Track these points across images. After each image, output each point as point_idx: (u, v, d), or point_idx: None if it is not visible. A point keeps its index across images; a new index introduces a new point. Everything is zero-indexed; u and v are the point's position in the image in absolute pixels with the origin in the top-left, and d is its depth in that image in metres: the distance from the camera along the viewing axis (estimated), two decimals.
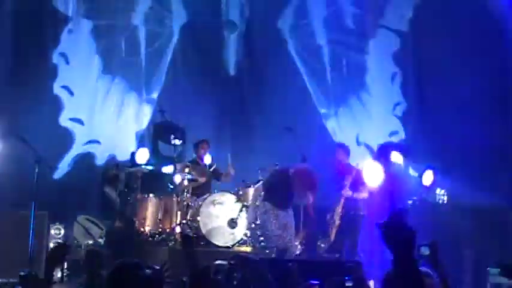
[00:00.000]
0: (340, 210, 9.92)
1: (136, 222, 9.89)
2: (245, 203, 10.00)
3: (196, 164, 10.44)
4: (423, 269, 5.29)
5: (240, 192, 10.13)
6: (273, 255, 8.97)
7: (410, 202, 11.06)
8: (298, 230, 10.12)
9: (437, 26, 12.67)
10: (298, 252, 9.96)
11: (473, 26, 12.56)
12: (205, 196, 9.92)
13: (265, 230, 9.26)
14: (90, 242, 9.73)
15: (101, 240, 9.75)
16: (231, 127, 12.27)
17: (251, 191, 10.25)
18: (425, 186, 11.33)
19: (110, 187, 10.38)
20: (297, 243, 10.04)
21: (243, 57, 12.64)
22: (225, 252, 9.18)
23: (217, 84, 12.37)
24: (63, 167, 11.24)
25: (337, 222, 9.95)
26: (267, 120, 11.90)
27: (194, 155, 10.58)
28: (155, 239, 9.79)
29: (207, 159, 10.57)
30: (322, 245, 10.80)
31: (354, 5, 12.97)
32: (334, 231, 10.00)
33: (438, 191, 11.38)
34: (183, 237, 5.27)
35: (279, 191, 8.69)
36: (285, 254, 8.90)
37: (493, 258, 10.05)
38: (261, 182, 9.93)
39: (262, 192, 9.53)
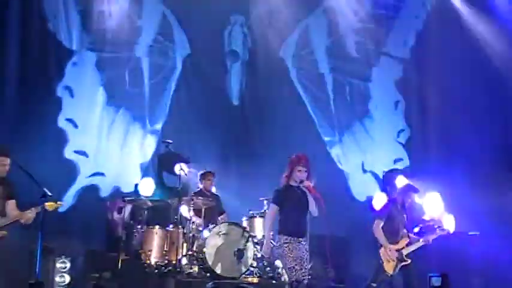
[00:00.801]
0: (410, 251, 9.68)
1: (143, 254, 9.83)
2: (251, 234, 9.95)
3: (202, 194, 10.42)
4: None
5: (246, 223, 10.14)
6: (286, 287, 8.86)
7: (417, 229, 11.04)
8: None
9: (439, 53, 12.76)
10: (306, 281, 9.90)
11: (475, 52, 12.65)
12: (210, 227, 9.89)
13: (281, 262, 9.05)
14: (97, 275, 9.66)
15: (107, 273, 9.68)
16: (235, 157, 12.27)
17: (257, 221, 10.27)
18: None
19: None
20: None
21: (246, 87, 12.71)
22: (232, 283, 9.15)
23: (221, 114, 12.42)
24: (68, 199, 11.21)
25: (408, 260, 9.75)
26: (271, 149, 11.91)
27: (200, 187, 10.56)
28: (161, 270, 9.72)
29: (213, 190, 10.59)
30: (330, 274, 10.74)
31: (356, 33, 13.04)
32: (398, 266, 9.77)
33: (447, 218, 11.35)
34: None
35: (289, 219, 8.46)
36: (298, 285, 8.79)
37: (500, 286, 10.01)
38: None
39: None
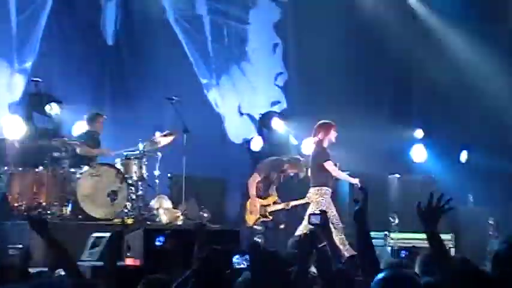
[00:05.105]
0: None
1: (10, 197, 9.41)
2: (126, 175, 9.79)
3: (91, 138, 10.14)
4: None
5: (119, 164, 9.97)
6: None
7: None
8: (180, 202, 10.19)
9: None
10: (180, 222, 9.95)
11: None
12: (83, 169, 9.63)
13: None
14: None
15: None
16: (110, 98, 11.93)
17: (132, 162, 10.08)
18: (306, 155, 11.55)
19: None
20: (179, 214, 10.05)
21: (121, 27, 12.25)
22: (105, 225, 8.97)
23: (95, 54, 11.97)
24: None
25: (270, 217, 10.18)
26: (148, 90, 11.78)
27: (88, 129, 10.21)
28: (30, 213, 9.32)
29: None
30: (205, 215, 10.82)
31: None
32: (258, 220, 10.15)
33: None
34: (33, 222, 4.58)
35: None
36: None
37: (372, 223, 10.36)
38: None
39: None
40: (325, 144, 9.48)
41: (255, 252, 4.19)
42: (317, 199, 9.32)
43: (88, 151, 9.94)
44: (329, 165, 9.39)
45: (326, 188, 9.40)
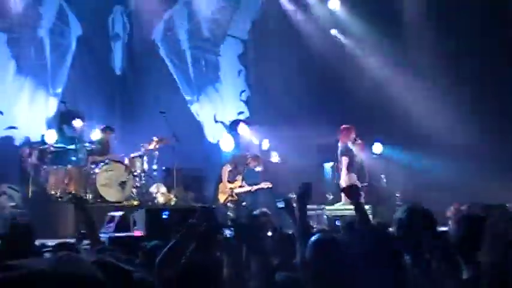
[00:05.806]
0: None
1: (48, 187, 9.99)
2: (132, 170, 10.31)
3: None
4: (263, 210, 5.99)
5: (127, 161, 10.50)
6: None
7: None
8: (173, 188, 10.56)
9: (272, 33, 13.36)
10: (173, 203, 10.37)
11: (296, 35, 13.32)
12: (100, 165, 10.11)
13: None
14: (13, 204, 9.77)
15: (20, 202, 9.82)
16: (119, 113, 12.50)
17: (137, 160, 10.56)
18: (264, 150, 12.12)
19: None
20: (171, 197, 10.51)
21: (126, 61, 12.82)
22: (116, 206, 9.51)
23: (107, 81, 12.55)
24: None
25: (235, 197, 10.44)
26: (146, 107, 12.17)
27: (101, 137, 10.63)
28: (63, 198, 9.90)
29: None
30: (190, 196, 11.34)
31: (207, 21, 13.44)
32: (227, 199, 10.42)
33: (273, 154, 12.12)
34: (76, 200, 4.82)
35: None
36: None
37: (313, 199, 10.79)
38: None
39: None
40: (349, 143, 9.43)
41: (237, 224, 4.00)
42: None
43: (94, 159, 10.30)
44: (343, 160, 9.44)
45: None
